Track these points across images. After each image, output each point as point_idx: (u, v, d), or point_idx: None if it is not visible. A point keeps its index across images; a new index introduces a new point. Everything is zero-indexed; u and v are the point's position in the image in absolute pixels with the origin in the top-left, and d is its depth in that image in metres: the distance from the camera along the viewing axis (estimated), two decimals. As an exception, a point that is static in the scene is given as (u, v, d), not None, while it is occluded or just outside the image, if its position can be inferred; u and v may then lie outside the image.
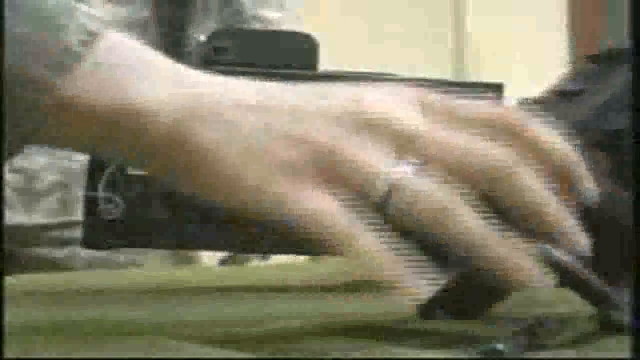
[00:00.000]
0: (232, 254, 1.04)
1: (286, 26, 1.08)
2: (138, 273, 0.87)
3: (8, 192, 1.06)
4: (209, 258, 1.13)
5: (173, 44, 1.12)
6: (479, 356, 0.44)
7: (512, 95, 0.70)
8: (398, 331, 0.52)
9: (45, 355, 0.48)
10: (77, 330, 0.55)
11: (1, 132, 0.59)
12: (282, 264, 0.89)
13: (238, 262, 1.12)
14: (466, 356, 0.46)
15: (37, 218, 1.08)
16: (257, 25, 1.07)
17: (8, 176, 1.06)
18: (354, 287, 0.70)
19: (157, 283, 0.75)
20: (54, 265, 1.07)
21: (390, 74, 0.69)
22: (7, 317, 0.54)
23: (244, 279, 0.78)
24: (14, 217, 1.07)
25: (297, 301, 0.63)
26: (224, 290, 0.70)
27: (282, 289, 0.69)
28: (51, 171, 1.08)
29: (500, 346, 0.43)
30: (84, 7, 0.46)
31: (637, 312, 0.48)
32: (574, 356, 0.47)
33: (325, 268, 0.80)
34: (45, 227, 1.08)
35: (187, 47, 1.11)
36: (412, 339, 0.50)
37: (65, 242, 1.08)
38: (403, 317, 0.57)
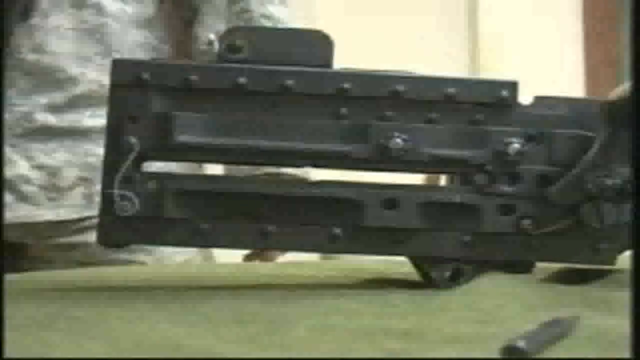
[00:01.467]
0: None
1: (291, 23, 1.08)
2: (156, 269, 0.87)
3: (33, 189, 1.07)
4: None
5: (180, 42, 1.12)
6: (499, 355, 0.44)
7: (526, 93, 0.70)
8: (416, 329, 0.52)
9: (58, 354, 0.48)
10: (93, 326, 0.55)
11: (1, 135, 0.59)
12: (294, 261, 0.89)
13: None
14: (486, 354, 0.46)
15: (63, 214, 1.08)
16: (267, 23, 1.07)
17: (31, 173, 1.07)
18: (365, 286, 0.70)
19: (175, 279, 0.76)
20: (85, 261, 1.06)
21: (406, 72, 0.69)
22: (30, 312, 0.55)
23: (256, 276, 0.78)
24: (40, 213, 1.07)
25: (310, 300, 0.63)
26: (238, 287, 0.70)
27: (296, 287, 0.69)
28: (72, 167, 1.08)
29: (521, 344, 0.43)
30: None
31: (637, 313, 0.48)
32: (588, 355, 0.47)
33: (337, 266, 0.80)
34: (72, 222, 1.09)
35: (196, 44, 1.11)
36: (431, 337, 0.50)
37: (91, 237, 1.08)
38: (420, 316, 0.57)
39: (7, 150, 1.04)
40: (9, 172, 1.04)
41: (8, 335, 0.52)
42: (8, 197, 1.05)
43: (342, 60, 0.71)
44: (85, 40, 1.06)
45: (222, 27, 1.06)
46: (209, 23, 1.09)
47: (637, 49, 0.57)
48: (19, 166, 0.96)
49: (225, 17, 1.07)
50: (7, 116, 1.01)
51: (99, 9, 1.06)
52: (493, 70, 2.52)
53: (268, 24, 1.07)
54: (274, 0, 1.10)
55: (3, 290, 0.55)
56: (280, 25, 1.08)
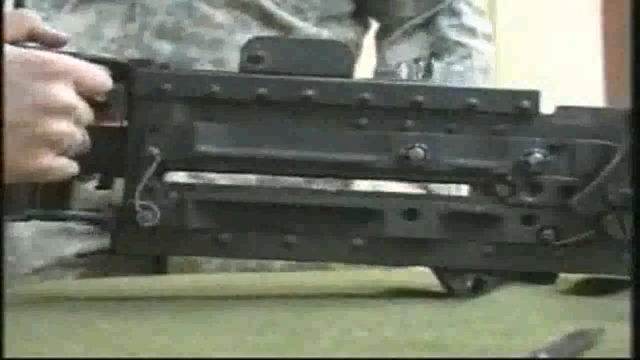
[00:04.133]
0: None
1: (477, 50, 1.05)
2: (178, 279, 0.87)
3: None
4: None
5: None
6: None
7: (545, 99, 0.69)
8: (440, 341, 0.52)
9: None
10: (114, 337, 0.55)
11: (1, 133, 0.60)
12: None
13: None
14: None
15: None
16: (462, 51, 1.04)
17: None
18: (387, 296, 0.70)
19: (197, 289, 0.76)
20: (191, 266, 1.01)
21: (421, 80, 0.69)
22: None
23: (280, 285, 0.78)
24: None
25: (333, 311, 0.63)
26: (260, 297, 0.70)
27: (318, 298, 0.69)
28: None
29: (543, 356, 0.43)
30: None
31: (637, 312, 0.47)
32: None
33: (358, 276, 0.80)
34: None
35: (381, 66, 1.06)
36: (455, 349, 0.50)
37: None
38: (444, 327, 0.57)
39: None
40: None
41: (29, 344, 0.52)
42: None
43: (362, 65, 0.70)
44: None
45: (414, 55, 1.02)
46: (398, 52, 1.05)
47: (637, 48, 0.57)
48: None
49: (422, 46, 1.04)
50: None
51: (288, 30, 0.99)
52: (510, 71, 2.51)
53: (463, 51, 1.04)
54: (474, 34, 1.06)
55: (3, 291, 0.55)
56: (475, 54, 1.05)
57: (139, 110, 0.67)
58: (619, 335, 0.52)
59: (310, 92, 0.68)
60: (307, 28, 1.00)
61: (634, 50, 0.59)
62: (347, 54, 0.69)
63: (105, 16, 0.95)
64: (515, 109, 0.68)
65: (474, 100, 0.68)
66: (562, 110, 0.69)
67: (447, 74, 0.82)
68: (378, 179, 0.71)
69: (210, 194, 0.68)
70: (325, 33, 1.01)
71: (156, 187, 0.67)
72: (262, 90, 0.67)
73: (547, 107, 0.69)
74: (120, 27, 0.95)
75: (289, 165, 0.68)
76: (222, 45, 0.96)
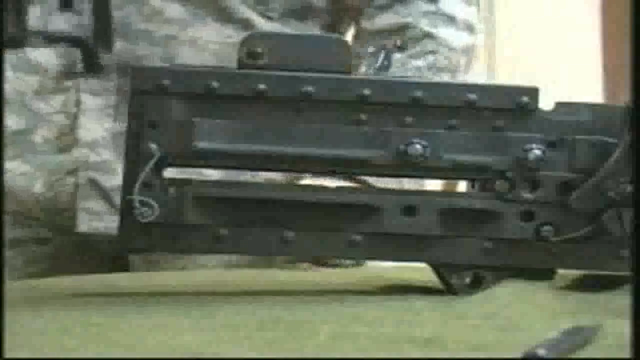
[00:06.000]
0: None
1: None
2: (176, 275, 0.87)
3: None
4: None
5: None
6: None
7: (544, 96, 0.69)
8: (438, 337, 0.52)
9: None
10: (112, 332, 0.55)
11: (1, 141, 0.60)
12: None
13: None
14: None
15: None
16: (427, 43, 0.98)
17: None
18: (384, 292, 0.70)
19: (195, 285, 0.76)
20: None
21: (422, 77, 0.69)
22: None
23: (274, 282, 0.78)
24: None
25: (331, 306, 0.63)
26: (258, 293, 0.70)
27: (316, 293, 0.69)
28: None
29: (541, 352, 0.43)
30: None
31: (637, 309, 0.48)
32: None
33: (355, 272, 0.80)
34: None
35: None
36: (453, 345, 0.50)
37: None
38: (441, 323, 0.57)
39: (113, 159, 0.95)
40: (108, 183, 0.95)
41: (27, 339, 0.52)
42: (103, 207, 0.94)
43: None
44: (226, 55, 0.94)
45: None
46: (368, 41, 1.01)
47: (637, 47, 0.57)
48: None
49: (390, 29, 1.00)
50: None
51: (247, 26, 0.96)
52: (510, 70, 2.51)
53: (431, 45, 0.98)
54: (452, 22, 0.99)
55: (3, 291, 0.55)
56: (442, 50, 0.97)
57: (138, 105, 0.67)
58: (617, 332, 0.52)
59: (309, 88, 0.68)
60: (267, 25, 0.97)
61: (634, 48, 0.59)
62: (346, 50, 0.69)
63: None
64: (515, 105, 0.68)
65: (473, 96, 0.68)
66: (562, 106, 0.69)
67: (405, 68, 0.81)
68: (377, 175, 0.71)
69: (208, 190, 0.68)
70: (285, 30, 0.97)
71: (155, 183, 0.67)
72: (261, 86, 0.67)
73: (546, 104, 0.69)
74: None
75: (288, 161, 0.68)
76: (174, 41, 0.94)
